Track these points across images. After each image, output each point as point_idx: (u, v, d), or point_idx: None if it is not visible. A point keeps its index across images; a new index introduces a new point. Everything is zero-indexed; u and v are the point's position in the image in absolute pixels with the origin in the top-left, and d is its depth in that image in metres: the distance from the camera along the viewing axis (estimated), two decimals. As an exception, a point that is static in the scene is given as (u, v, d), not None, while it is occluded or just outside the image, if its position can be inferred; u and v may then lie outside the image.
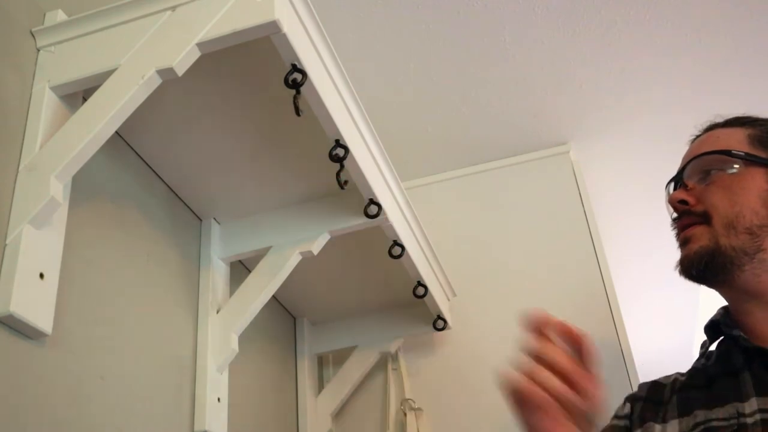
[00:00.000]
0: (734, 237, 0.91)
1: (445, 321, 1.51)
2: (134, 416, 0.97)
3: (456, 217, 1.79)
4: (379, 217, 1.17)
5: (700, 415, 0.88)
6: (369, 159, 1.13)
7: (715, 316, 1.01)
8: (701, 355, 1.01)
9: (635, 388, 1.44)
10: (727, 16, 1.51)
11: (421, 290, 1.39)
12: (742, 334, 0.93)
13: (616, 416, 1.01)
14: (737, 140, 0.97)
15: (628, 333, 1.53)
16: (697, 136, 1.06)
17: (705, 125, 1.06)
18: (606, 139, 1.82)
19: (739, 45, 1.58)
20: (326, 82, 0.97)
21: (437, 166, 1.85)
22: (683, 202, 0.97)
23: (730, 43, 1.57)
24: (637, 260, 2.31)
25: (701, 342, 1.03)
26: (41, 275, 0.82)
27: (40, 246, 0.83)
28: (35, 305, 0.80)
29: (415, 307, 1.53)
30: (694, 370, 0.99)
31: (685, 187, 0.99)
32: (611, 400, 1.45)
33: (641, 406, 0.99)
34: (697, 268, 0.94)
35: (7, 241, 0.80)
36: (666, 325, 2.73)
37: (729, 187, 0.94)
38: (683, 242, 0.97)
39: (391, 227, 1.21)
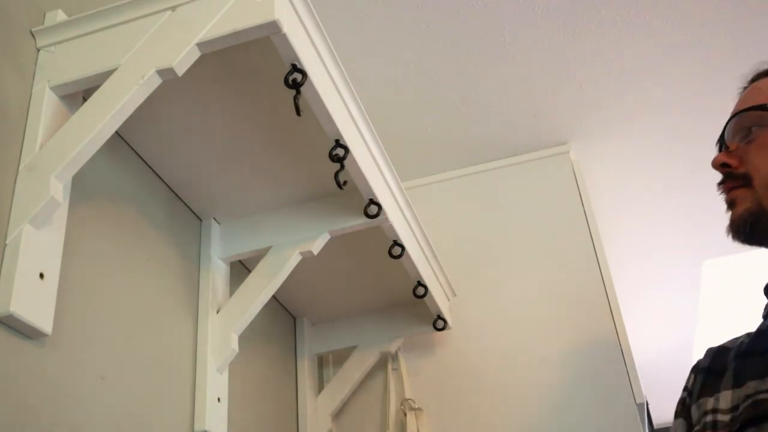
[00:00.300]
0: None
1: (445, 321, 1.51)
2: (134, 416, 0.97)
3: (456, 217, 1.79)
4: (379, 217, 1.17)
5: (751, 386, 0.85)
6: (369, 159, 1.13)
7: None
8: (765, 316, 0.96)
9: (635, 389, 1.45)
10: (727, 16, 1.51)
11: (421, 290, 1.39)
12: None
13: (684, 388, 0.99)
14: None
15: (628, 333, 1.53)
16: (744, 88, 1.00)
17: (751, 75, 1.00)
18: (606, 139, 1.82)
19: (739, 45, 1.58)
20: (326, 82, 0.97)
21: (437, 166, 1.85)
22: (725, 165, 0.93)
23: (730, 43, 1.58)
24: (637, 260, 2.31)
25: (765, 304, 0.98)
26: (41, 275, 0.82)
27: (40, 246, 0.83)
28: (35, 305, 0.80)
29: (415, 307, 1.53)
30: (759, 332, 0.95)
31: (727, 148, 0.94)
32: (611, 400, 1.46)
33: (702, 378, 0.96)
34: (744, 231, 0.91)
35: (7, 241, 0.80)
36: (666, 325, 2.74)
37: None
38: (729, 205, 0.94)
39: (391, 227, 1.21)
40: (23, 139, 0.87)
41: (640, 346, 2.61)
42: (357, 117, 1.09)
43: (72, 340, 0.88)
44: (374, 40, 1.49)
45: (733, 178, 0.92)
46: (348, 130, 1.04)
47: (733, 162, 0.93)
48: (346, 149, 1.02)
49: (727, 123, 0.96)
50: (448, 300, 1.56)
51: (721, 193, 0.96)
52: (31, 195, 0.83)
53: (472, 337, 1.62)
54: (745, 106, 0.93)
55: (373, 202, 1.15)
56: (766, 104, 0.91)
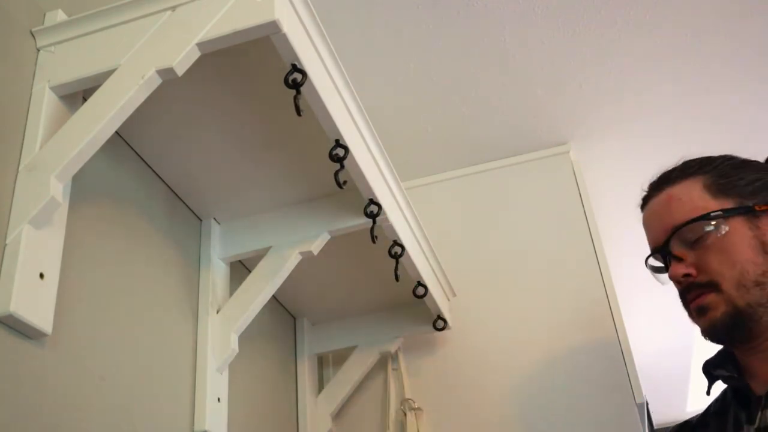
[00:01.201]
0: (747, 294, 0.92)
1: (445, 321, 1.51)
2: (134, 416, 0.97)
3: (456, 217, 1.79)
4: (379, 217, 1.17)
5: None
6: (369, 159, 1.13)
7: (710, 357, 1.03)
8: (708, 393, 1.04)
9: (635, 389, 1.45)
10: (727, 16, 1.51)
11: (421, 290, 1.39)
12: (725, 373, 0.97)
13: None
14: (698, 197, 0.98)
15: (628, 333, 1.53)
16: (648, 198, 1.07)
17: (649, 185, 1.07)
18: (606, 139, 1.82)
19: (738, 45, 1.58)
20: (326, 82, 0.97)
21: (437, 166, 1.85)
22: (687, 275, 0.97)
23: (729, 44, 1.58)
24: (637, 260, 2.31)
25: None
26: (41, 275, 0.82)
27: (40, 246, 0.83)
28: (35, 305, 0.80)
29: (415, 307, 1.53)
30: (708, 406, 1.03)
31: (676, 258, 0.98)
32: (611, 400, 1.46)
33: None
34: (727, 333, 0.95)
35: (7, 241, 0.80)
36: (666, 325, 2.73)
37: (722, 248, 0.94)
38: (699, 312, 0.97)
39: (391, 227, 1.21)
40: (23, 139, 0.87)
41: (640, 346, 2.61)
42: (357, 117, 1.09)
43: (72, 340, 0.88)
44: (374, 40, 1.49)
45: (699, 287, 0.96)
46: (348, 130, 1.04)
47: (693, 271, 0.97)
48: (346, 149, 1.02)
49: (669, 237, 0.99)
50: (448, 300, 1.56)
51: (684, 302, 1.01)
52: (31, 195, 0.83)
53: (472, 337, 1.62)
54: (681, 221, 0.97)
55: (373, 202, 1.15)
56: (706, 213, 0.95)
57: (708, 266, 0.95)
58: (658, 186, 1.04)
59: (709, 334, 0.97)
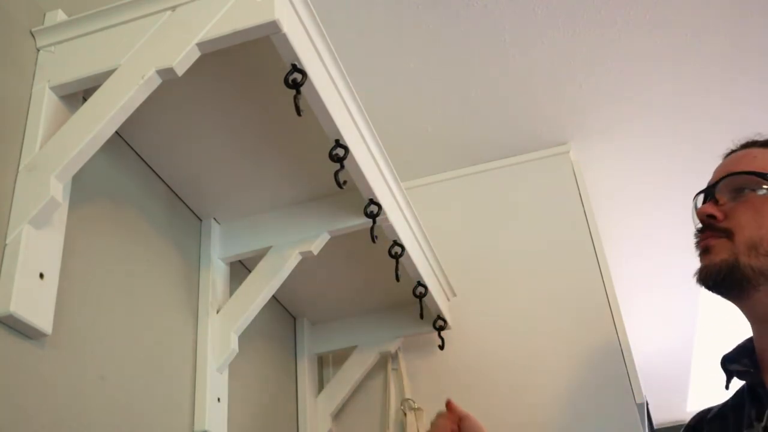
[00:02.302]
0: (755, 258, 0.92)
1: (445, 321, 1.51)
2: (134, 416, 0.97)
3: (456, 217, 1.79)
4: (379, 217, 1.17)
5: None
6: (369, 159, 1.13)
7: (728, 352, 1.03)
8: (726, 387, 1.04)
9: (635, 389, 1.45)
10: (726, 16, 1.51)
11: (421, 290, 1.39)
12: (739, 368, 0.97)
13: None
14: None
15: (628, 333, 1.53)
16: (733, 151, 1.06)
17: (742, 141, 1.06)
18: (606, 139, 1.82)
19: (738, 45, 1.58)
20: (326, 82, 0.97)
21: (437, 166, 1.85)
22: (711, 216, 0.98)
23: (729, 44, 1.58)
24: (637, 260, 2.31)
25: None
26: (41, 275, 0.82)
27: (40, 246, 0.83)
28: (35, 305, 0.80)
29: (415, 307, 1.53)
30: (729, 399, 1.03)
31: (715, 201, 0.99)
32: (611, 400, 1.46)
33: None
34: (714, 279, 0.96)
35: (7, 241, 0.80)
36: (666, 325, 2.74)
37: (759, 208, 0.95)
38: (703, 251, 0.98)
39: (391, 227, 1.21)
40: (23, 139, 0.87)
41: (640, 346, 2.61)
42: (357, 117, 1.09)
43: (72, 340, 0.88)
44: (374, 40, 1.49)
45: (714, 230, 0.97)
46: (348, 130, 1.04)
47: (720, 215, 0.97)
48: (346, 149, 1.02)
49: (720, 179, 1.00)
50: (448, 300, 1.56)
51: (696, 239, 1.01)
52: (31, 195, 0.82)
53: (472, 337, 1.62)
54: (740, 169, 0.99)
55: (373, 202, 1.15)
56: (763, 173, 0.96)
57: (736, 217, 0.96)
58: (745, 146, 1.05)
59: (702, 276, 0.98)
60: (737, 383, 1.01)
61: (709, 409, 1.07)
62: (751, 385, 0.96)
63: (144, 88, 0.85)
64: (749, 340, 1.01)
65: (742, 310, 0.99)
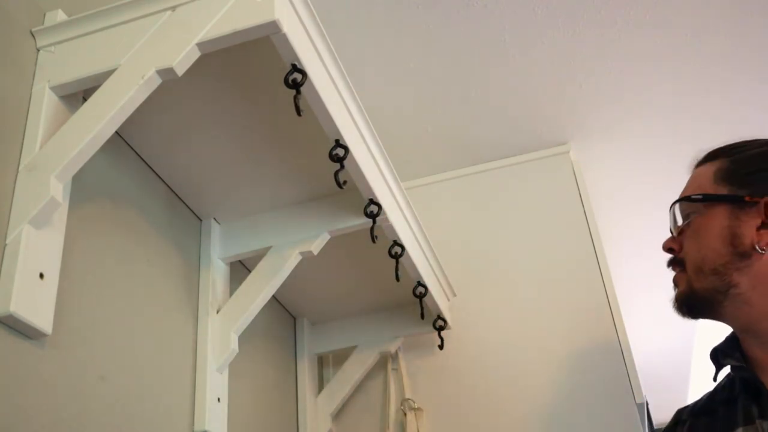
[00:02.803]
0: (703, 280, 0.97)
1: (445, 321, 1.51)
2: (134, 416, 0.97)
3: (456, 217, 1.79)
4: (379, 217, 1.17)
5: None
6: (369, 159, 1.13)
7: (719, 344, 1.04)
8: (714, 379, 1.06)
9: (635, 389, 1.45)
10: (726, 16, 1.51)
11: (421, 290, 1.39)
12: (734, 363, 0.98)
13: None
14: (706, 178, 1.01)
15: (628, 333, 1.53)
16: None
17: (693, 162, 1.09)
18: (606, 139, 1.82)
19: (738, 45, 1.58)
20: (326, 82, 0.97)
21: (437, 166, 1.85)
22: (671, 249, 1.04)
23: (729, 44, 1.58)
24: (637, 260, 2.31)
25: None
26: (41, 275, 0.82)
27: (40, 246, 0.83)
28: (35, 305, 0.80)
29: (415, 307, 1.53)
30: (713, 392, 1.05)
31: (675, 231, 1.04)
32: (611, 400, 1.46)
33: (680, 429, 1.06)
34: (682, 310, 1.02)
35: (7, 241, 0.80)
36: (666, 325, 2.73)
37: (697, 231, 0.99)
38: (673, 284, 1.04)
39: (391, 227, 1.21)
40: (23, 139, 0.87)
41: (640, 346, 2.61)
42: (357, 117, 1.09)
43: (72, 340, 0.88)
44: (374, 40, 1.49)
45: (675, 262, 1.03)
46: (348, 130, 1.04)
47: (676, 247, 1.03)
48: (346, 149, 1.02)
49: (670, 208, 1.06)
50: (448, 300, 1.56)
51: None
52: (31, 195, 0.82)
53: (472, 337, 1.62)
54: (682, 195, 1.04)
55: (373, 202, 1.15)
56: (687, 196, 1.01)
57: (685, 245, 1.01)
58: (698, 164, 1.08)
59: (674, 307, 1.03)
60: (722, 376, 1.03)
61: (686, 407, 1.08)
62: (746, 381, 0.96)
63: (144, 88, 0.85)
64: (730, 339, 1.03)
65: (727, 324, 1.01)
